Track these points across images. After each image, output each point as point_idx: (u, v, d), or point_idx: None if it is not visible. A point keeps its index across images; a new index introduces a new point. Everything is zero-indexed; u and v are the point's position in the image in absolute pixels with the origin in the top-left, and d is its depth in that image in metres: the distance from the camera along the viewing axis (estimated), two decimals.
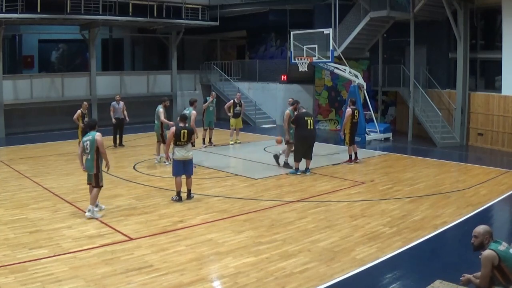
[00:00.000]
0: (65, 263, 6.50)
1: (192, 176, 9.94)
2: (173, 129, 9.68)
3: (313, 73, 21.01)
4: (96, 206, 8.74)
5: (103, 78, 22.46)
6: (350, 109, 13.57)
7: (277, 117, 23.17)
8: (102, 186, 8.72)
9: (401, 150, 16.23)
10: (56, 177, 11.90)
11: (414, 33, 17.54)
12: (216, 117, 23.23)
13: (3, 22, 18.35)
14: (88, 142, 8.51)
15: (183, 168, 9.69)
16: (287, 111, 12.75)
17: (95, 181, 8.57)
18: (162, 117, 13.22)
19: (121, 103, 16.38)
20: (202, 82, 25.69)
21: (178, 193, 9.69)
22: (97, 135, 8.49)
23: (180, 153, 9.62)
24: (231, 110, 16.79)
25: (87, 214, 8.48)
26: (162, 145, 13.27)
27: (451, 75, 18.39)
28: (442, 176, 12.39)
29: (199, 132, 14.56)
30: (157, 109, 13.50)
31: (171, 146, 9.81)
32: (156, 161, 13.53)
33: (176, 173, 9.69)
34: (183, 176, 9.73)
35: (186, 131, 9.61)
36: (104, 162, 8.67)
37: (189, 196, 9.80)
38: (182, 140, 9.58)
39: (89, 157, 8.52)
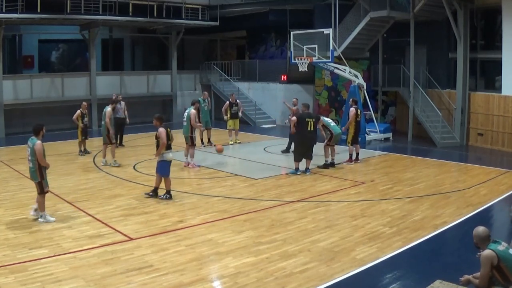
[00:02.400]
0: (65, 263, 6.50)
1: (192, 176, 9.97)
2: (163, 130, 9.59)
3: (313, 73, 21.00)
4: (35, 210, 8.36)
5: (103, 78, 22.46)
6: (353, 108, 13.57)
7: (277, 117, 23.19)
8: (47, 191, 8.33)
9: (401, 150, 16.23)
10: (56, 177, 11.87)
11: (414, 33, 17.54)
12: (215, 117, 23.44)
13: (3, 22, 18.34)
14: (29, 150, 8.09)
15: (170, 168, 9.87)
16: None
17: (39, 188, 8.16)
18: (108, 118, 12.98)
19: (123, 103, 16.37)
20: (202, 82, 25.67)
21: (169, 192, 9.81)
22: (37, 144, 7.97)
23: (170, 154, 9.79)
24: (228, 111, 16.73)
25: (40, 220, 8.21)
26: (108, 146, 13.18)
27: (451, 75, 18.39)
28: (442, 176, 12.39)
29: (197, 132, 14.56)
30: (105, 109, 13.30)
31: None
32: (113, 164, 13.14)
33: (168, 173, 9.78)
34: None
35: (169, 129, 9.77)
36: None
37: (156, 195, 9.85)
38: (171, 139, 9.73)
39: (31, 165, 8.08)
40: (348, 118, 13.65)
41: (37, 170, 8.08)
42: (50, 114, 20.47)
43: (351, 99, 14.44)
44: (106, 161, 13.33)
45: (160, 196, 9.80)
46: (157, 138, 9.69)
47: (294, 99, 15.11)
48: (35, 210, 8.35)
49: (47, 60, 25.14)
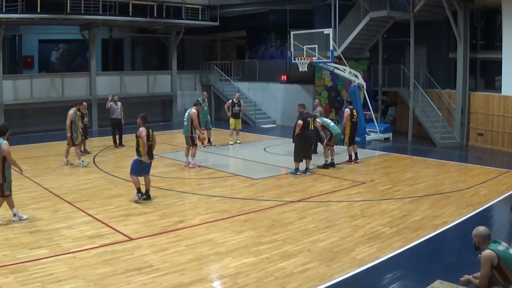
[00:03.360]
0: (65, 263, 6.50)
1: (192, 176, 9.94)
2: (143, 129, 9.49)
3: (313, 73, 21.01)
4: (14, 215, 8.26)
5: (103, 78, 22.47)
6: (348, 109, 13.59)
7: (277, 117, 23.19)
8: (7, 195, 8.08)
9: (401, 150, 16.22)
10: (56, 177, 11.90)
11: (414, 33, 17.53)
12: (215, 117, 23.43)
13: (3, 22, 18.34)
14: None
15: (146, 167, 9.68)
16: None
17: (0, 191, 7.93)
18: (68, 121, 12.90)
19: (119, 103, 16.36)
20: (202, 82, 25.68)
21: (139, 189, 9.59)
22: (4, 144, 7.88)
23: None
24: (230, 110, 16.82)
25: (13, 218, 8.14)
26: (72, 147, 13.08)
27: (451, 75, 18.39)
28: (442, 176, 12.39)
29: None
30: (69, 111, 13.18)
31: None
32: (63, 163, 13.12)
33: (136, 173, 9.61)
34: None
35: (151, 129, 9.61)
36: (17, 168, 8.11)
37: (149, 197, 9.68)
38: (150, 140, 9.52)
39: None
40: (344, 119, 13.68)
41: (0, 171, 7.92)
42: (50, 114, 20.48)
43: (345, 100, 14.50)
44: (67, 160, 13.25)
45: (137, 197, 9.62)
46: (137, 137, 9.57)
47: (316, 100, 15.08)
48: (15, 215, 8.22)
49: (47, 60, 25.14)
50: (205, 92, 18.06)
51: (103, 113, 20.12)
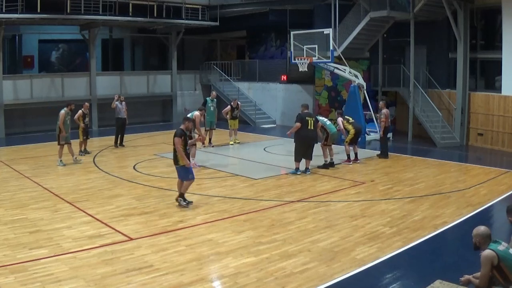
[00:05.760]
0: (65, 263, 6.50)
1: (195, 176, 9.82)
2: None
3: (313, 73, 21.00)
4: None
5: (103, 78, 22.47)
6: (340, 118, 13.67)
7: (277, 117, 23.19)
8: None
9: (401, 150, 16.22)
10: (56, 177, 11.91)
11: (414, 33, 17.54)
12: (216, 118, 23.41)
13: (3, 22, 18.35)
14: None
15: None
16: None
17: None
18: (60, 121, 12.85)
19: (124, 103, 16.39)
20: (202, 82, 25.68)
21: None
22: None
23: None
24: (230, 114, 16.82)
25: None
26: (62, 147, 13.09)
27: (451, 75, 18.40)
28: (442, 176, 12.38)
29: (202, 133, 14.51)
30: (61, 111, 13.09)
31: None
32: (58, 164, 13.07)
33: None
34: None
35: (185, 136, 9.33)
36: None
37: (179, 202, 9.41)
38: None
39: None
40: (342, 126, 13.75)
41: None
42: (50, 114, 20.45)
43: (336, 112, 14.58)
44: (76, 158, 13.49)
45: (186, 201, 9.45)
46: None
47: (381, 102, 14.86)
48: None
49: (47, 60, 25.15)
50: (214, 92, 18.16)
51: (103, 113, 20.14)
